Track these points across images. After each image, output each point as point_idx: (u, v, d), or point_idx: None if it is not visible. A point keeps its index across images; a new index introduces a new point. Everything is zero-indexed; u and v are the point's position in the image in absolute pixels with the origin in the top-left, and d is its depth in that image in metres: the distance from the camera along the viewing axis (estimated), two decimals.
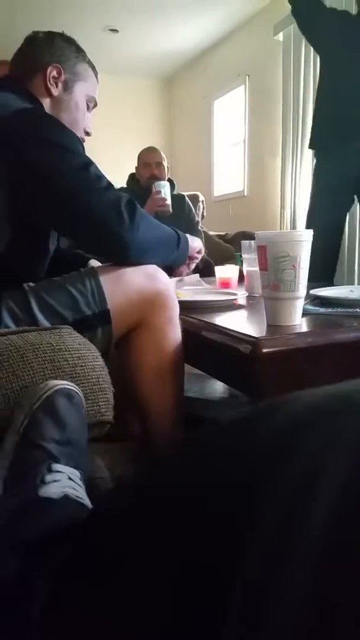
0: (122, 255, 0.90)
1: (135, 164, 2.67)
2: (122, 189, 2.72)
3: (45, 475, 0.61)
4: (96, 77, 1.13)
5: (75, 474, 0.64)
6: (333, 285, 1.72)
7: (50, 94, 1.04)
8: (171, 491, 0.31)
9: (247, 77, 4.29)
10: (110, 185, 0.89)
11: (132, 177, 2.72)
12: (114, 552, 0.32)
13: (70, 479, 0.62)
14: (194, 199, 3.25)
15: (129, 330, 0.93)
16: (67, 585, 0.36)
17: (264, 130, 4.12)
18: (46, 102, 1.04)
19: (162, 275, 0.93)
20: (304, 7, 2.16)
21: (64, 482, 0.61)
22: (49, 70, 1.03)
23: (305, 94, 3.59)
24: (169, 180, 2.58)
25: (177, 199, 2.66)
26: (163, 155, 2.64)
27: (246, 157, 4.40)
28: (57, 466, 0.63)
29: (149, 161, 2.60)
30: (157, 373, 0.95)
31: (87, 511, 0.58)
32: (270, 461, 0.27)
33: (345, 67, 2.09)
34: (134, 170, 2.70)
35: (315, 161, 2.31)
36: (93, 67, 1.12)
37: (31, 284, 0.87)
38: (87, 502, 0.60)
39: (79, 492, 0.61)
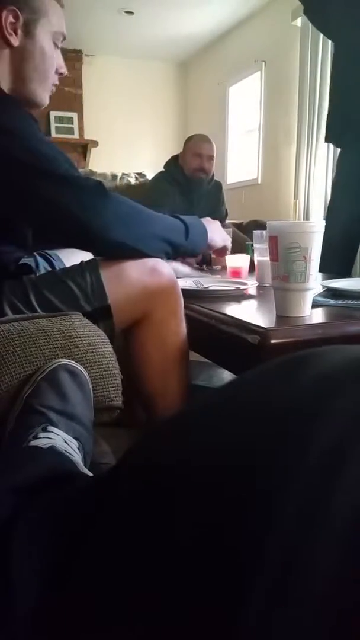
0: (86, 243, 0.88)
1: (180, 149, 2.53)
2: (161, 173, 2.53)
3: (39, 433, 0.61)
4: (60, 4, 0.97)
5: (73, 442, 0.63)
6: (350, 278, 1.70)
7: (9, 45, 0.91)
8: (182, 457, 0.29)
9: (264, 63, 4.22)
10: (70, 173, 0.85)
11: (174, 161, 2.53)
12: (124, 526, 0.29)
13: (65, 442, 0.62)
14: None
15: (133, 323, 0.92)
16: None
17: (280, 118, 4.06)
18: (5, 55, 0.92)
19: (164, 268, 0.92)
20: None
21: (58, 441, 0.60)
22: (3, 16, 0.89)
23: (322, 82, 3.53)
24: (217, 181, 2.52)
25: (215, 186, 2.61)
26: (215, 147, 2.47)
27: (261, 145, 4.35)
28: (53, 429, 0.63)
29: (201, 152, 2.42)
30: (162, 368, 0.94)
31: (76, 466, 0.57)
32: (300, 421, 0.25)
33: None
34: (171, 153, 2.59)
35: (338, 150, 2.22)
36: None
37: (32, 276, 0.87)
38: (82, 467, 0.59)
39: (75, 457, 0.60)
